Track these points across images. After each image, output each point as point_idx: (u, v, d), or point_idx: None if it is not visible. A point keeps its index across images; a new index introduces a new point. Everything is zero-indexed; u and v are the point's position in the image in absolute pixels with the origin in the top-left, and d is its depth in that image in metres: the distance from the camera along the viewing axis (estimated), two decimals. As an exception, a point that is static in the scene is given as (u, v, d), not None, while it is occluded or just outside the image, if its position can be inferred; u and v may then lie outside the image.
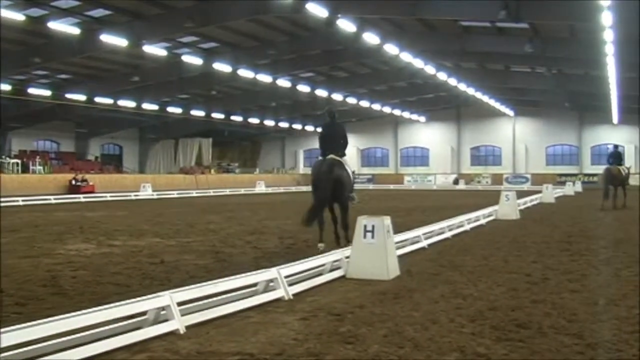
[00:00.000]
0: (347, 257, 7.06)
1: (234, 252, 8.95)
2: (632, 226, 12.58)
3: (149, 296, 4.65)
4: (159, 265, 7.71)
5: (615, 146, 21.52)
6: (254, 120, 47.42)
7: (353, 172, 9.11)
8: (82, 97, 33.40)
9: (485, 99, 42.23)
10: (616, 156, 18.84)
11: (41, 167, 35.37)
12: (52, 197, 25.13)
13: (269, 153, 59.78)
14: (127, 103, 36.48)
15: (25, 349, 3.72)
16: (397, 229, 10.26)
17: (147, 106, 38.39)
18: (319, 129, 9.65)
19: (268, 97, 40.90)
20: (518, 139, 50.24)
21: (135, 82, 31.83)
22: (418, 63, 29.38)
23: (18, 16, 20.47)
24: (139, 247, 9.54)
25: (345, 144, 9.07)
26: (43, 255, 8.53)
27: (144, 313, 4.53)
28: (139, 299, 4.60)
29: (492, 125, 50.90)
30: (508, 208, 15.57)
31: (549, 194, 24.28)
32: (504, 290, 6.15)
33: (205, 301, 5.08)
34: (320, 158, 9.00)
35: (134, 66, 31.12)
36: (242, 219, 15.45)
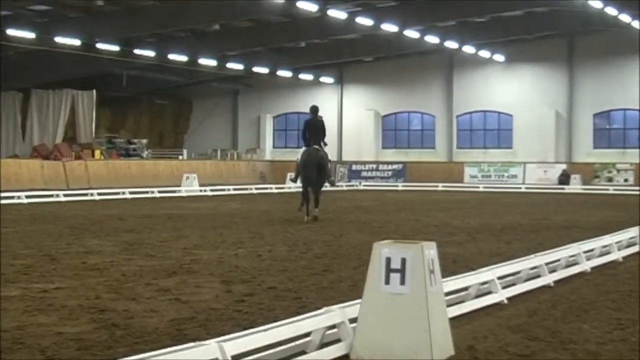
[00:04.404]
0: (353, 322, 7.03)
1: (136, 310, 8.97)
2: None
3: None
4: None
5: None
6: (178, 58, 47.37)
7: (330, 161, 21.65)
8: None
9: (624, 19, 42.25)
10: None
11: None
12: None
13: (206, 121, 59.86)
14: None
15: None
16: (449, 268, 10.21)
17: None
18: (303, 124, 21.24)
19: (206, 14, 40.81)
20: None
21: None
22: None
23: None
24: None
25: (324, 135, 21.03)
26: None
27: None
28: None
29: (636, 72, 51.02)
30: (665, 231, 15.67)
31: None
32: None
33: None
34: (304, 148, 20.64)
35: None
36: (153, 245, 15.49)
